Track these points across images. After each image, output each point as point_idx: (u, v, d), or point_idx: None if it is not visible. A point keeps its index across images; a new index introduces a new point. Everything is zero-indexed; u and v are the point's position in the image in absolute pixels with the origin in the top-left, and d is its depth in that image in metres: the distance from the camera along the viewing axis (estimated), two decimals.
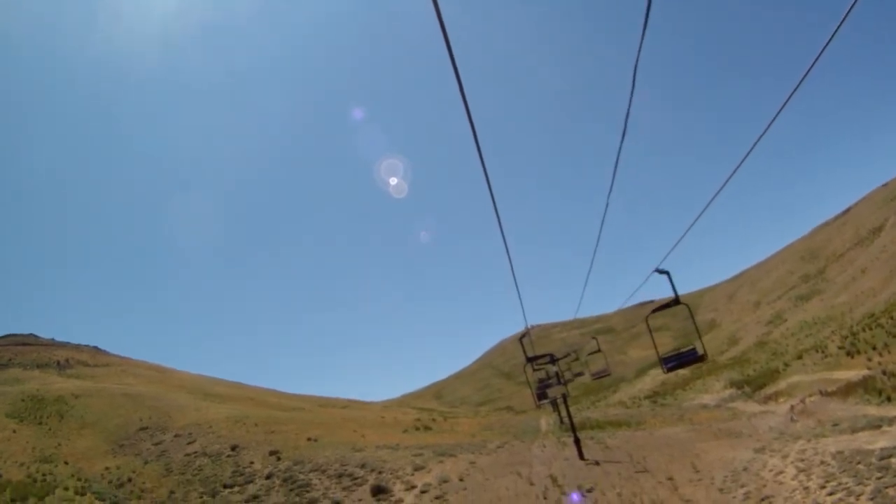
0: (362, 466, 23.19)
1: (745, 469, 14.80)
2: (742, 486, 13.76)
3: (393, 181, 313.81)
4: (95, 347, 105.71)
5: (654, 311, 14.42)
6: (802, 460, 13.76)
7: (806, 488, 12.31)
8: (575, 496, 19.67)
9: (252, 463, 27.74)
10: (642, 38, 6.22)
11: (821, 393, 29.29)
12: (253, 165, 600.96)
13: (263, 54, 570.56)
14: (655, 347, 15.51)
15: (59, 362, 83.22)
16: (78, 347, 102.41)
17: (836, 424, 17.10)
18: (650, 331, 15.64)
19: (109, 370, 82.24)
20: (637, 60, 6.61)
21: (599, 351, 31.94)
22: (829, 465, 13.04)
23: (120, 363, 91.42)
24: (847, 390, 26.95)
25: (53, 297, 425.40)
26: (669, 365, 14.83)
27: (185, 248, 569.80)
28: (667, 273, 12.66)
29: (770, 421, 25.03)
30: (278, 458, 27.70)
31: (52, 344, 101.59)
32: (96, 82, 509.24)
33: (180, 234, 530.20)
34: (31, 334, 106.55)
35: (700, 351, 14.27)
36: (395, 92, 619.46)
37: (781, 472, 13.57)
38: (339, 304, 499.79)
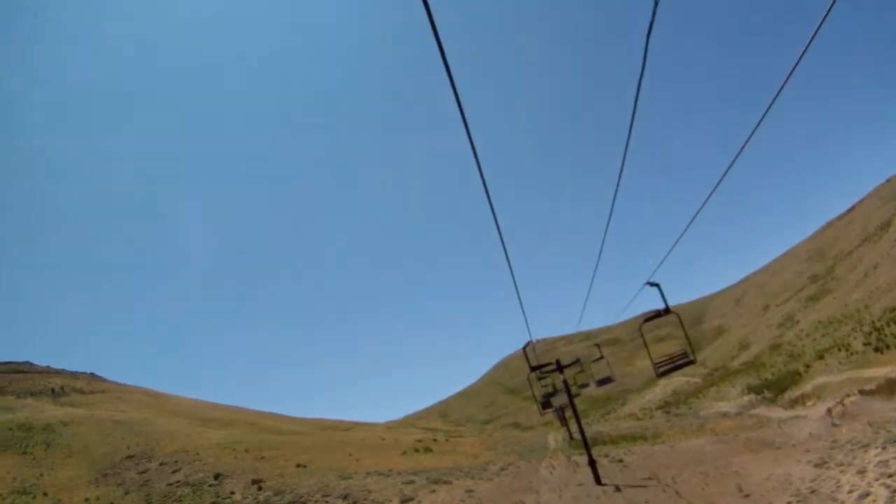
0: (345, 497, 20.60)
1: (812, 491, 11.47)
2: None
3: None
4: (92, 374, 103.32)
5: (647, 320, 15.30)
6: (890, 475, 10.58)
7: None
8: None
9: (233, 493, 25.19)
10: (643, 67, 5.93)
11: (860, 392, 26.67)
12: (250, 179, 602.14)
13: (265, 56, 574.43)
14: (650, 355, 17.42)
15: (53, 390, 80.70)
16: (74, 375, 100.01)
17: None
18: (644, 339, 17.81)
19: (105, 397, 79.61)
20: (640, 81, 6.32)
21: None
22: None
23: (116, 390, 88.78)
24: (891, 388, 24.34)
25: (50, 324, 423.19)
26: (661, 370, 16.20)
27: (189, 271, 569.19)
28: (657, 285, 13.58)
29: (806, 427, 22.25)
30: (259, 488, 25.15)
31: (48, 371, 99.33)
32: (93, 96, 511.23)
33: (183, 254, 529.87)
34: (26, 362, 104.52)
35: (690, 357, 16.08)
36: (395, 94, 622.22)
37: (868, 494, 10.23)
38: (345, 326, 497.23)
